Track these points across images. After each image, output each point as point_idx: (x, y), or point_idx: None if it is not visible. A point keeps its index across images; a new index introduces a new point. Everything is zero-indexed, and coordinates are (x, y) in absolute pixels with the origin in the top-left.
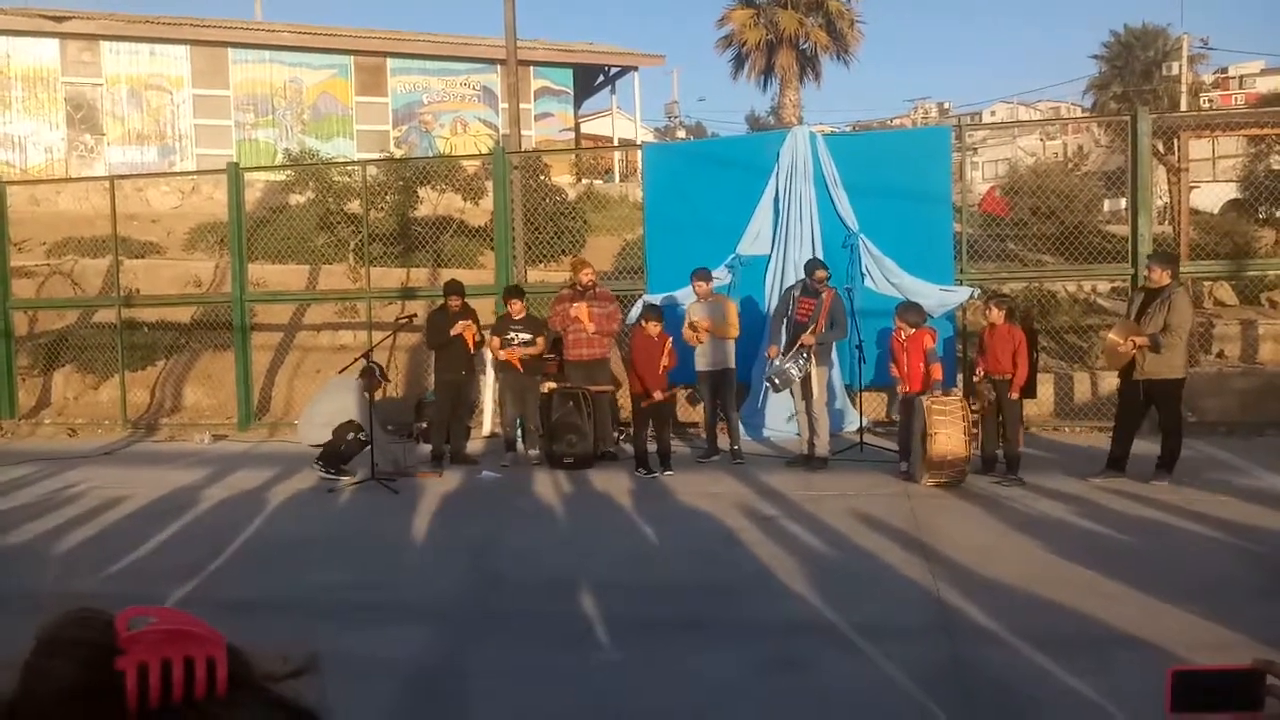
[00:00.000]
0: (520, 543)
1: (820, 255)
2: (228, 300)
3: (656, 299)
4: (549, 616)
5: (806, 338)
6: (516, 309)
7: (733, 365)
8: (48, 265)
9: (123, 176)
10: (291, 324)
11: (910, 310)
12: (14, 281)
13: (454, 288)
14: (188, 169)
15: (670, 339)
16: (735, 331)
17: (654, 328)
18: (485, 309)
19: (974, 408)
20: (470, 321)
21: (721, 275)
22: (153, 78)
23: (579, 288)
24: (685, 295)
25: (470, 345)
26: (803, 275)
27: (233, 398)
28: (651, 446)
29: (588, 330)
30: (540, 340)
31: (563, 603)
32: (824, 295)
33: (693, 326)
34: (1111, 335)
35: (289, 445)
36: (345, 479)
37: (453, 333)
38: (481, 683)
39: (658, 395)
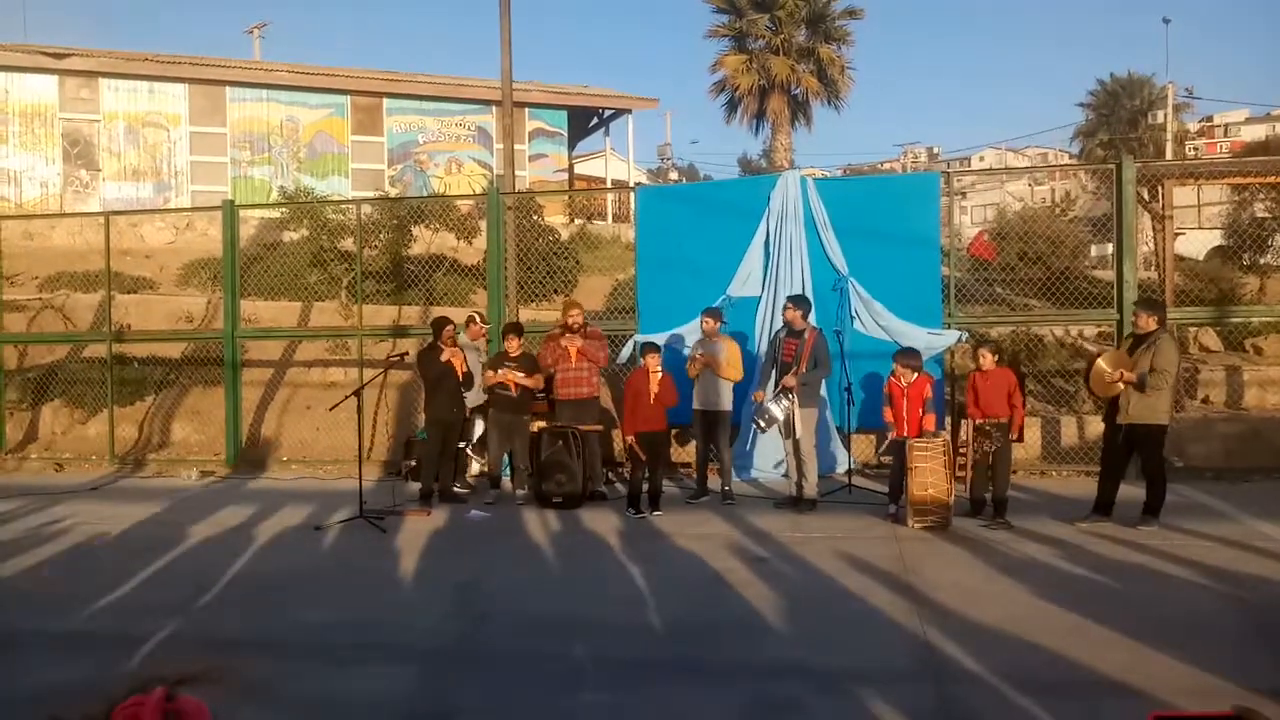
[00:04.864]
0: (508, 582)
1: (810, 297)
2: (219, 336)
3: (661, 338)
4: (537, 657)
5: (788, 379)
6: (514, 346)
7: (727, 407)
8: (39, 299)
9: (118, 212)
10: (282, 360)
11: (912, 355)
12: (5, 315)
13: (443, 321)
14: (183, 205)
15: (671, 375)
16: (734, 374)
17: (653, 361)
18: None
19: (970, 452)
20: (459, 349)
21: None
22: (150, 115)
23: (567, 329)
24: (689, 332)
25: (458, 374)
26: None
27: (221, 434)
28: (645, 486)
29: (571, 360)
30: (537, 376)
31: (551, 643)
32: (807, 335)
33: (693, 360)
34: (1101, 362)
35: (277, 482)
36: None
37: (442, 358)
38: None
39: (629, 441)
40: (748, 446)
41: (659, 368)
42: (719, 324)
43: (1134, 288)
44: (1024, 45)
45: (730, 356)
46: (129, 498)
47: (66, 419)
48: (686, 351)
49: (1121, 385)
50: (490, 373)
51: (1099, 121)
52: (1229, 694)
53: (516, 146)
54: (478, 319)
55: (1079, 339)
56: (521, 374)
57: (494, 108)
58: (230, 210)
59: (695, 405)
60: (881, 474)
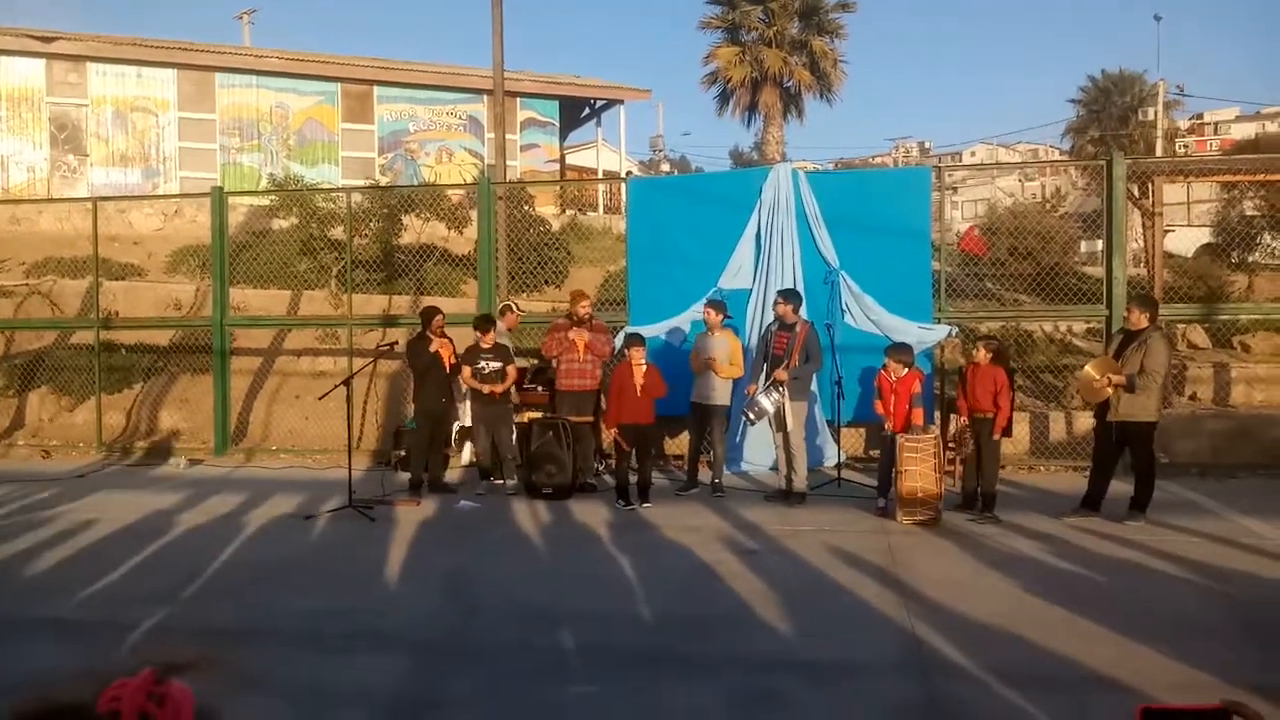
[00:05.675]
0: (497, 573)
1: (801, 291)
2: (208, 324)
3: (658, 329)
4: (525, 647)
5: (779, 372)
6: (488, 340)
7: (722, 401)
8: (26, 285)
9: (105, 198)
10: (271, 349)
11: (904, 350)
12: None
13: (432, 311)
14: (171, 192)
15: (658, 367)
16: (735, 372)
17: (637, 354)
18: (467, 337)
19: (957, 452)
20: (448, 340)
21: (701, 310)
22: (139, 100)
23: (575, 319)
24: (684, 323)
25: (446, 365)
26: None
27: (210, 422)
28: (633, 478)
29: (579, 353)
30: (511, 369)
31: (539, 634)
32: (798, 328)
33: (695, 357)
34: (1088, 369)
35: (265, 470)
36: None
37: (431, 349)
38: (456, 713)
39: (612, 433)
40: (738, 439)
41: (643, 360)
42: (722, 317)
43: (1123, 284)
44: (1016, 42)
45: (732, 354)
46: (116, 485)
47: (54, 406)
48: (687, 346)
49: (1111, 390)
50: (467, 369)
51: (1090, 118)
52: (1216, 689)
53: (508, 136)
54: (515, 308)
55: (1068, 334)
56: (499, 385)
57: (485, 97)
58: (219, 197)
59: (692, 397)
60: (871, 467)
